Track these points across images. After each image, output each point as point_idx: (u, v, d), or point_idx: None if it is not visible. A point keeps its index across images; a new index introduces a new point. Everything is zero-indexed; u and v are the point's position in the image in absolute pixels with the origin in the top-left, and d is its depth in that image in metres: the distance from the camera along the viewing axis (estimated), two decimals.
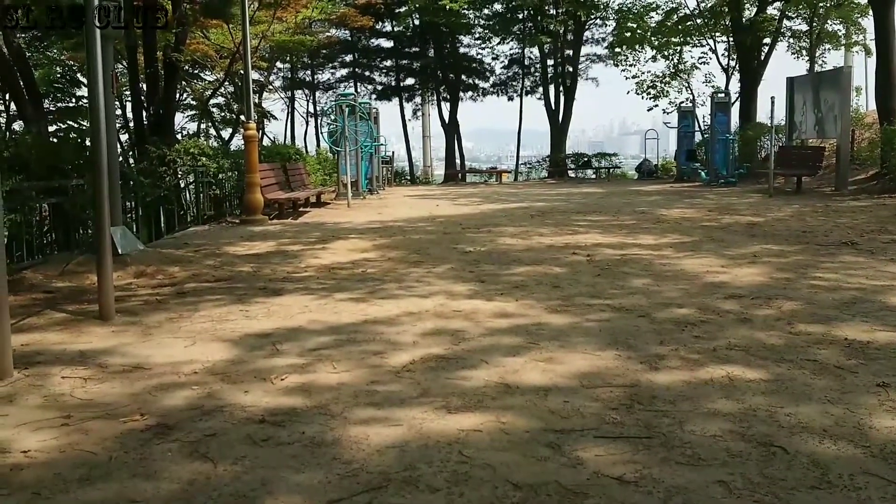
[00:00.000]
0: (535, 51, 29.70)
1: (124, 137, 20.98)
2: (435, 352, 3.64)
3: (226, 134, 21.93)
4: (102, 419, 2.79)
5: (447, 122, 30.38)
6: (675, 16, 24.50)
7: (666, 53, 24.83)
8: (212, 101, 21.90)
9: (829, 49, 23.02)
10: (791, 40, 23.01)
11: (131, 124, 19.85)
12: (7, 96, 19.57)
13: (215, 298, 5.13)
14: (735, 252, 6.81)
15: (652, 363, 3.38)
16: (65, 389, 3.17)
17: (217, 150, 12.66)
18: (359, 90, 29.46)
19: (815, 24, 20.95)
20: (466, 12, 27.16)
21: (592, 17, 27.96)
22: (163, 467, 2.35)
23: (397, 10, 27.15)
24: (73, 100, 19.87)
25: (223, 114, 24.39)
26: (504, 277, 5.75)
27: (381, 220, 10.69)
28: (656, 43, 24.47)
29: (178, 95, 17.92)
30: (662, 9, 25.10)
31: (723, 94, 19.84)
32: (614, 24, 27.02)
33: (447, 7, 23.51)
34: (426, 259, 6.76)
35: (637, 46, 25.18)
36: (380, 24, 29.30)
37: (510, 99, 31.14)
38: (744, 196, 14.17)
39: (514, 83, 31.10)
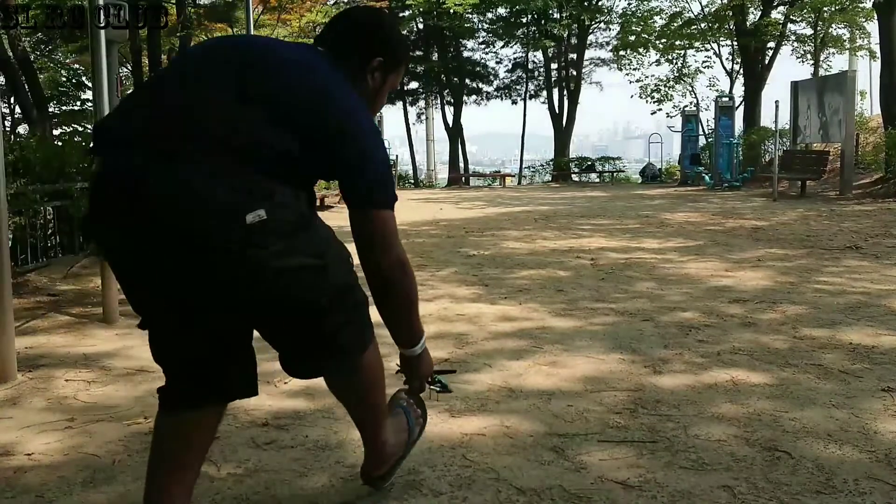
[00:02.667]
0: (539, 55, 29.73)
1: None
2: (438, 355, 3.63)
3: None
4: (106, 422, 2.79)
5: (451, 126, 30.39)
6: (679, 20, 24.52)
7: (670, 57, 24.88)
8: None
9: (833, 53, 23.04)
10: (795, 44, 23.00)
11: None
12: (12, 100, 19.67)
13: None
14: (739, 256, 6.80)
15: (656, 367, 3.38)
16: (69, 392, 3.17)
17: None
18: None
19: (819, 28, 20.94)
20: (470, 16, 27.20)
21: (596, 20, 27.98)
22: None
23: (401, 14, 27.19)
24: (78, 103, 19.95)
25: None
26: (508, 281, 5.75)
27: None
28: (660, 47, 24.51)
29: None
30: (666, 13, 25.15)
31: (727, 98, 19.83)
32: (618, 28, 27.08)
33: (451, 10, 23.55)
34: (430, 262, 6.77)
35: (641, 50, 25.24)
36: None
37: (514, 103, 31.14)
38: (748, 200, 14.16)
39: (517, 87, 31.09)
